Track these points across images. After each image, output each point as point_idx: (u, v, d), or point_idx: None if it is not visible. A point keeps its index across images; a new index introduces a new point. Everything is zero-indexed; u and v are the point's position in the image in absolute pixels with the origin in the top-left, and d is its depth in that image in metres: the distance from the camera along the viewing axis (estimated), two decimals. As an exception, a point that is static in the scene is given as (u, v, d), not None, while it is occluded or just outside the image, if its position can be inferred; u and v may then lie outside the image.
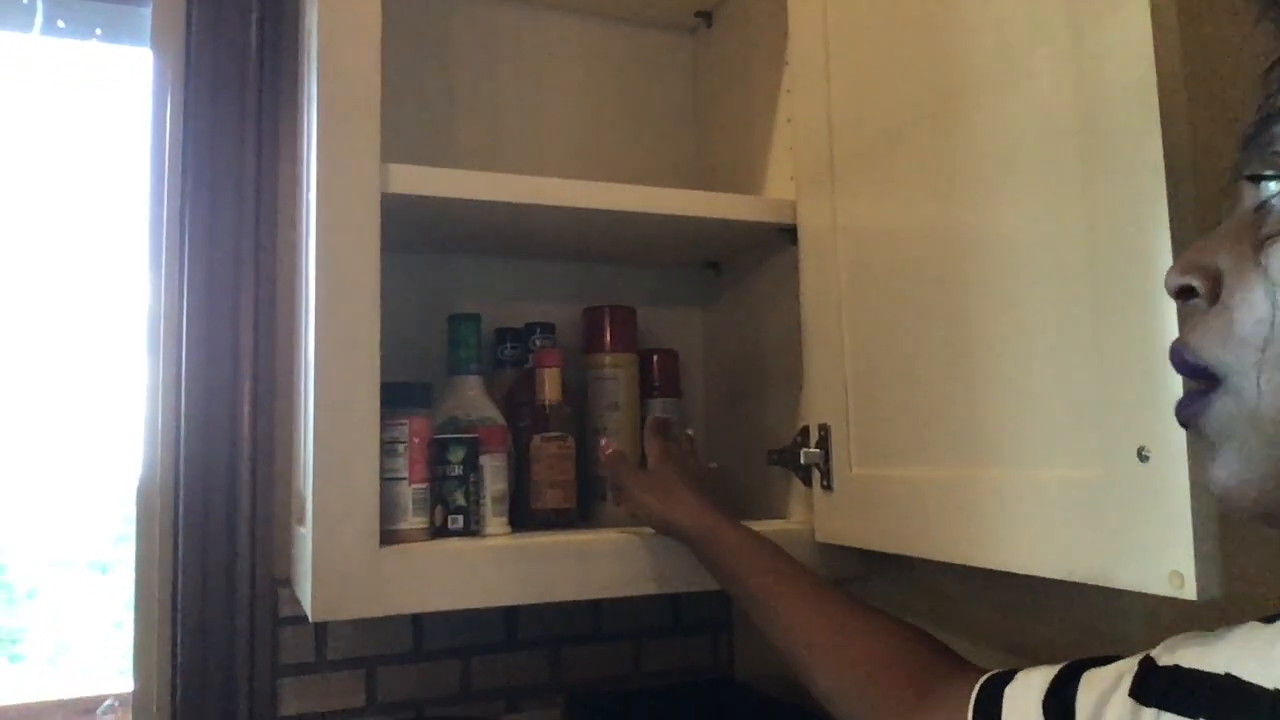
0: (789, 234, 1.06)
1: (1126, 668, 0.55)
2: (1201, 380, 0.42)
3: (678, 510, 0.90)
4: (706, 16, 1.35)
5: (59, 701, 1.20)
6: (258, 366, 1.13)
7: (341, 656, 1.17)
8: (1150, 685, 0.53)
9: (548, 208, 0.99)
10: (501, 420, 1.04)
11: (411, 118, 1.21)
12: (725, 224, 1.07)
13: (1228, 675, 0.48)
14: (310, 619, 0.85)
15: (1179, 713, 0.50)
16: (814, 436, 0.99)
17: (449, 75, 1.26)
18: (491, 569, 0.90)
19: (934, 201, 0.82)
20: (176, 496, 1.10)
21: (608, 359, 1.15)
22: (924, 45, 0.83)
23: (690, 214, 1.05)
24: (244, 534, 1.11)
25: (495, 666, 1.24)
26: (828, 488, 0.97)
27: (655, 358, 1.22)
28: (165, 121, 1.15)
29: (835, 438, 0.96)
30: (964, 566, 0.77)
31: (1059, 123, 0.68)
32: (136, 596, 1.11)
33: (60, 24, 1.20)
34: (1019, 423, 0.72)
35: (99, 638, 1.54)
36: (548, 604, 0.92)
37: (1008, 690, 0.62)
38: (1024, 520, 0.70)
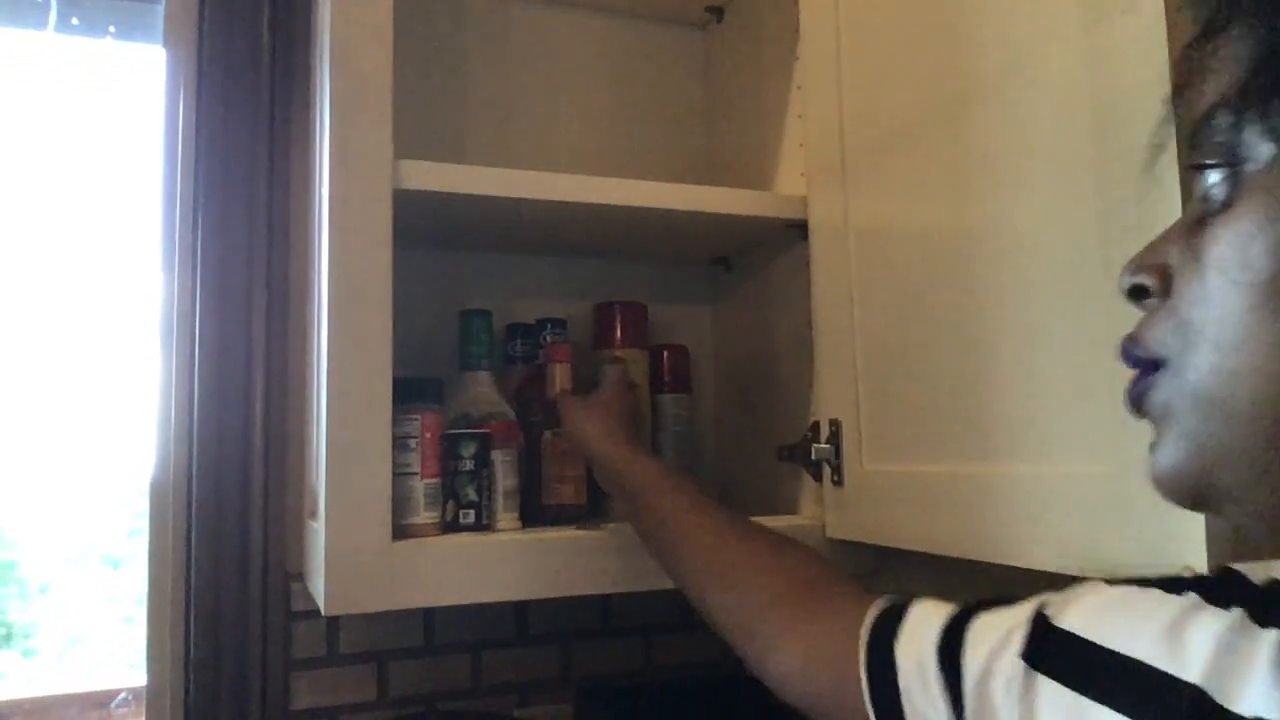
0: (800, 230, 1.06)
1: (1017, 620, 0.53)
2: (1148, 370, 0.42)
3: (595, 434, 0.90)
4: (717, 12, 1.35)
5: (74, 695, 1.21)
6: (270, 362, 1.13)
7: (353, 651, 1.18)
8: (1045, 650, 0.51)
9: (559, 203, 0.99)
10: (512, 416, 1.04)
11: (423, 114, 1.22)
12: (736, 220, 1.08)
13: (1133, 659, 0.46)
14: (322, 613, 0.86)
15: (1076, 689, 0.48)
16: (825, 432, 0.99)
17: (461, 71, 1.26)
18: (503, 564, 0.90)
19: (946, 197, 0.82)
20: (189, 491, 1.10)
21: (618, 355, 1.15)
22: (936, 41, 0.83)
23: (701, 210, 1.05)
24: (256, 528, 1.11)
25: (506, 661, 1.24)
26: (839, 483, 0.97)
27: (665, 353, 1.22)
28: (178, 119, 1.15)
29: (846, 433, 0.96)
30: (976, 562, 0.77)
31: (1072, 118, 0.68)
32: (150, 591, 1.12)
33: (74, 21, 1.21)
34: (1031, 418, 0.72)
35: (110, 632, 1.55)
36: (558, 599, 0.93)
37: (902, 632, 0.61)
38: (1035, 516, 0.70)
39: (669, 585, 0.96)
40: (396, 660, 1.19)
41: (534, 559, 0.92)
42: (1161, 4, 0.60)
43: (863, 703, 0.61)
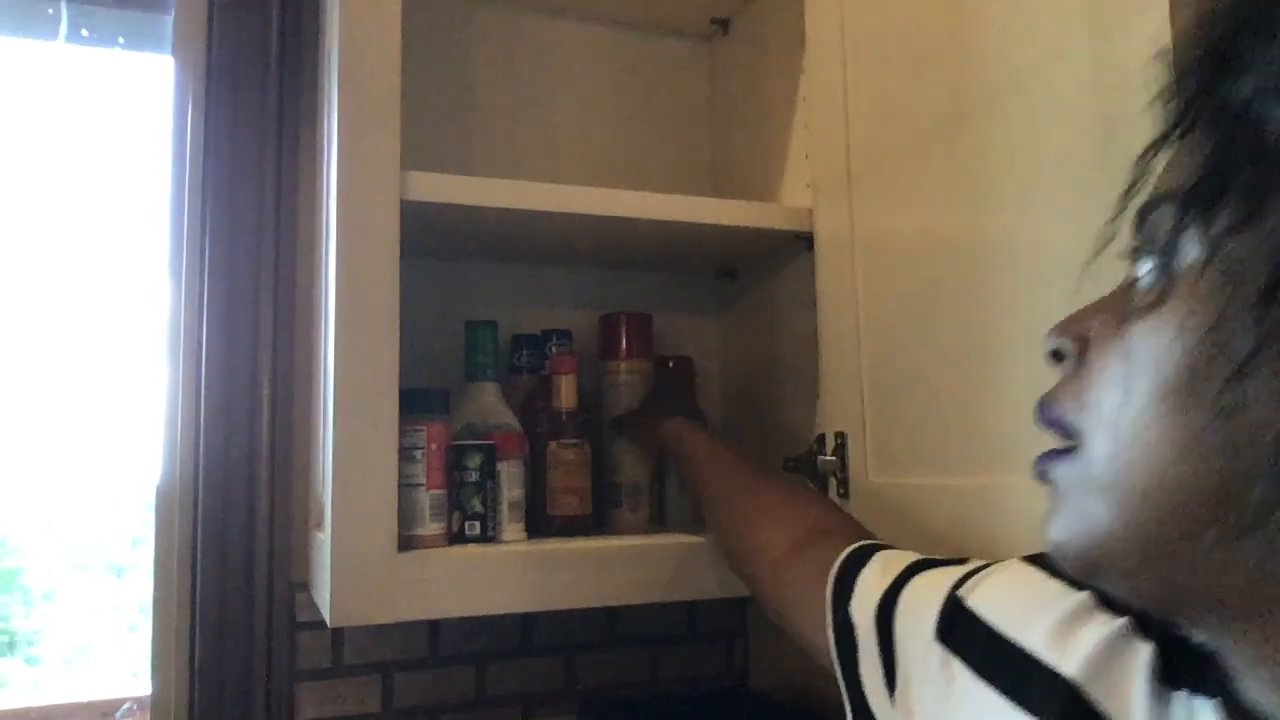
0: (805, 241, 1.06)
1: (934, 595, 0.56)
2: (1061, 435, 0.43)
3: (668, 422, 1.03)
4: (723, 24, 1.35)
5: (79, 704, 1.21)
6: (276, 371, 1.13)
7: (358, 662, 1.18)
8: (955, 629, 0.53)
9: (565, 215, 1.00)
10: (518, 427, 1.04)
11: (430, 125, 1.22)
12: (741, 231, 1.08)
13: (1023, 649, 0.48)
14: (328, 624, 0.86)
15: (977, 671, 0.50)
16: (830, 444, 0.99)
17: (467, 83, 1.27)
18: (508, 575, 0.90)
19: (951, 209, 0.82)
20: (195, 500, 1.10)
21: (623, 365, 1.15)
22: (942, 54, 0.83)
23: (706, 221, 1.05)
24: (262, 538, 1.11)
25: (510, 673, 1.24)
26: (844, 496, 0.97)
27: (671, 364, 1.22)
28: (186, 128, 1.16)
29: (852, 446, 0.96)
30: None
31: (1079, 131, 0.68)
32: (155, 600, 1.12)
33: (84, 33, 1.21)
34: (1036, 431, 0.72)
35: (115, 641, 1.55)
36: (563, 610, 0.93)
37: (855, 593, 0.64)
38: (1040, 529, 0.70)
39: (673, 598, 0.97)
40: (401, 671, 1.19)
41: (539, 571, 0.92)
42: (1167, 19, 0.61)
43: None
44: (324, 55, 1.08)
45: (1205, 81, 0.37)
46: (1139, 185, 0.41)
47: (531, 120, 1.29)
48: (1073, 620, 0.47)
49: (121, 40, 1.25)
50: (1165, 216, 0.38)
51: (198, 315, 1.12)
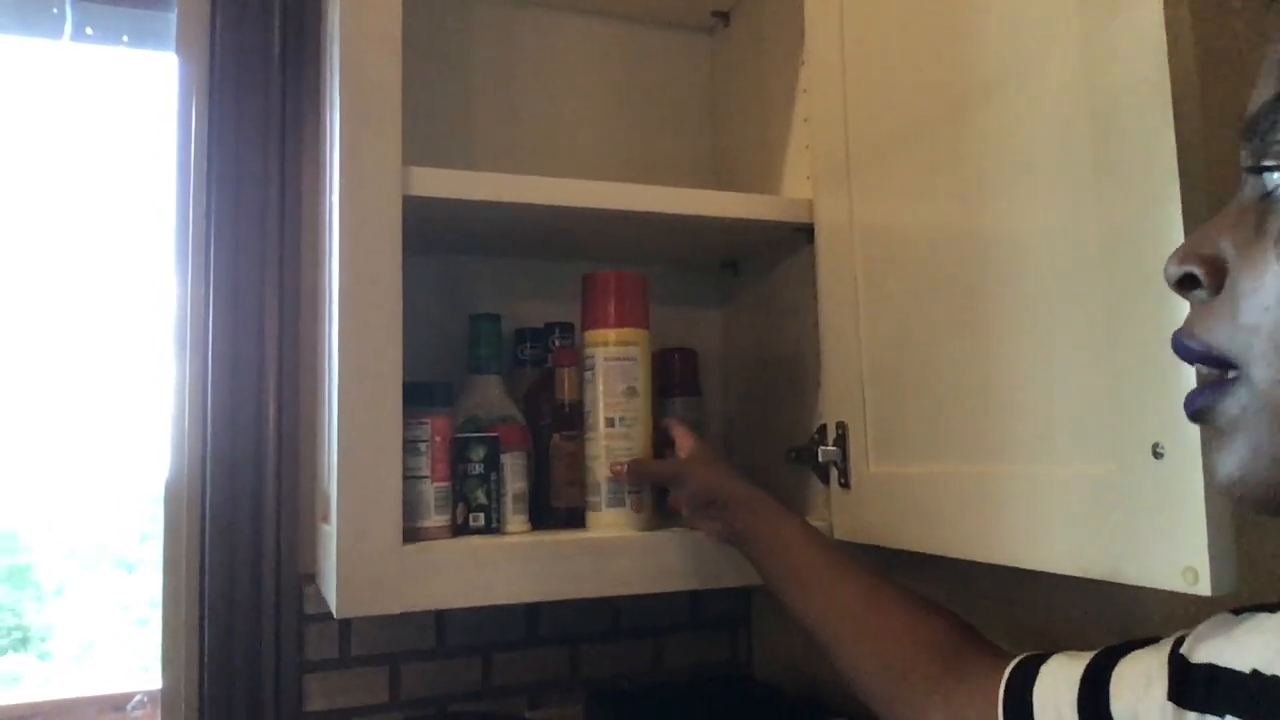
0: (806, 233, 1.07)
1: (1156, 664, 0.55)
2: (1212, 367, 0.41)
3: (730, 481, 0.90)
4: (724, 16, 1.35)
5: (90, 698, 1.22)
6: (282, 366, 1.14)
7: (365, 653, 1.19)
8: (1189, 687, 0.52)
9: (566, 209, 1.00)
10: (521, 419, 1.05)
11: (431, 120, 1.23)
12: (742, 223, 1.08)
13: (1254, 672, 0.47)
14: (335, 615, 0.87)
15: (1220, 716, 0.49)
16: (831, 434, 1.00)
17: (468, 77, 1.27)
18: (512, 566, 0.91)
19: (949, 200, 0.83)
20: (203, 495, 1.11)
21: (613, 336, 1.01)
22: (939, 45, 0.84)
23: (707, 214, 1.06)
24: (269, 532, 1.12)
25: (516, 663, 1.25)
26: (845, 486, 0.98)
27: (675, 356, 1.22)
28: (190, 125, 1.16)
29: (852, 435, 0.97)
30: (983, 563, 0.77)
31: (1073, 122, 0.68)
32: (164, 594, 1.13)
33: (89, 30, 1.22)
34: (1034, 419, 0.73)
35: (124, 635, 1.57)
36: (568, 601, 0.94)
37: (1037, 687, 0.61)
38: (1039, 517, 0.71)
39: (677, 588, 0.97)
40: (408, 662, 1.20)
41: (543, 561, 0.92)
42: (1160, 8, 0.61)
43: None
44: (326, 51, 1.08)
45: None
46: (1256, 82, 0.38)
47: (532, 114, 1.30)
48: None
49: (125, 38, 1.26)
50: None
51: (203, 310, 1.13)
